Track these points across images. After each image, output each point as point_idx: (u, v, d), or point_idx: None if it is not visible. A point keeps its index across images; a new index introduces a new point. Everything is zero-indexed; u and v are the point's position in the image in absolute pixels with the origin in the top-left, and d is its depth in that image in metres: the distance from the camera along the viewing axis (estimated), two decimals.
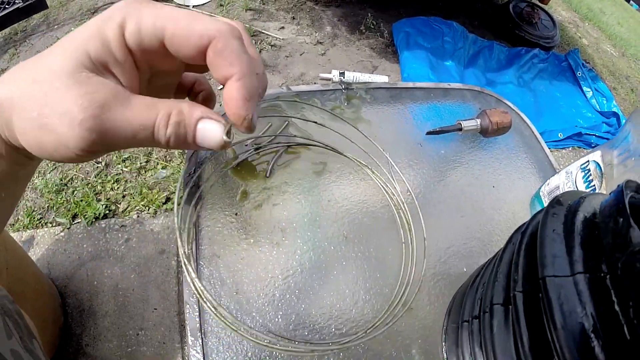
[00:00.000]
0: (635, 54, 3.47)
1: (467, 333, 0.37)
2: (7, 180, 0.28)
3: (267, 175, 0.53)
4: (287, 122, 0.58)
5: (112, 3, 2.11)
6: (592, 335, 0.23)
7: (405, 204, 0.54)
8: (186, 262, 0.43)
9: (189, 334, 0.41)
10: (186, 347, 0.41)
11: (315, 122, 0.59)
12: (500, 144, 0.71)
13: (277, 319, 0.43)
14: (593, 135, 2.15)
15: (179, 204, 0.47)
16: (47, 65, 0.22)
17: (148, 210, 1.38)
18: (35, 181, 1.45)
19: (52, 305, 1.09)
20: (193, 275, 0.42)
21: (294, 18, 2.31)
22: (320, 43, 2.17)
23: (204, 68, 0.29)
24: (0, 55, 2.02)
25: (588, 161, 0.59)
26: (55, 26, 2.17)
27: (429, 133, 0.63)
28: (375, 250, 0.50)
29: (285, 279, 0.46)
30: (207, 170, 0.51)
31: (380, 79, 0.88)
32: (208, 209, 0.49)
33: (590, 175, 0.57)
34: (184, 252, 0.43)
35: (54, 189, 1.42)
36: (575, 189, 0.58)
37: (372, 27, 2.34)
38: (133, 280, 1.24)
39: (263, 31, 2.15)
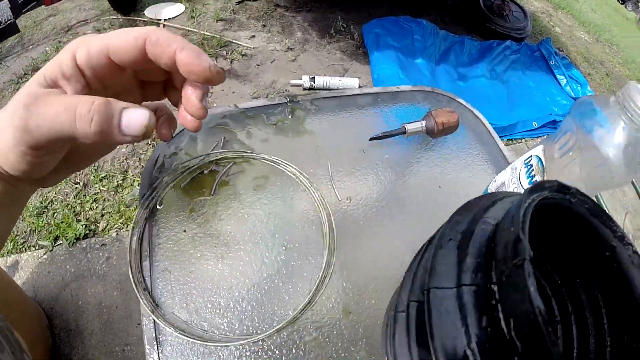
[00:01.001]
0: (610, 38, 3.51)
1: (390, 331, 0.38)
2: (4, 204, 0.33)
3: (212, 193, 0.56)
4: (223, 137, 0.61)
5: (85, 21, 2.16)
6: (469, 352, 0.22)
7: (331, 214, 0.56)
8: (135, 280, 0.46)
9: (145, 343, 0.44)
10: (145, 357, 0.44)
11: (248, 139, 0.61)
12: (449, 143, 0.72)
13: (222, 325, 0.46)
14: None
15: (133, 227, 0.50)
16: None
17: (126, 227, 1.40)
18: None
19: (40, 327, 1.11)
20: (142, 291, 0.46)
21: (264, 26, 2.33)
22: (291, 49, 2.19)
23: (158, 85, 0.37)
24: None
25: (531, 156, 0.57)
26: (30, 46, 2.18)
27: (372, 139, 0.64)
28: (314, 258, 0.52)
29: (229, 289, 0.48)
30: (160, 190, 0.54)
31: (350, 81, 0.90)
32: (161, 227, 0.52)
33: (533, 170, 0.56)
34: (133, 270, 0.47)
35: (35, 212, 1.44)
36: (519, 185, 0.58)
37: (343, 29, 2.37)
38: (116, 297, 1.25)
39: (234, 41, 2.17)
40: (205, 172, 0.58)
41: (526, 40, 2.66)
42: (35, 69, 2.04)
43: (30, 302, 1.13)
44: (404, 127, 0.66)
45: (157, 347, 0.44)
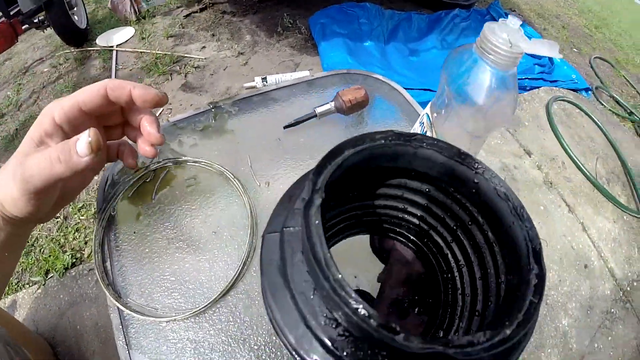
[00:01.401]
0: None
1: None
2: (9, 243, 0.42)
3: (153, 198, 0.63)
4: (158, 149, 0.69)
5: (41, 59, 2.19)
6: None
7: (251, 199, 0.63)
8: (100, 277, 0.55)
9: (114, 329, 0.52)
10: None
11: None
12: (367, 117, 0.77)
13: (171, 304, 0.54)
14: (526, 78, 2.23)
15: (95, 235, 0.58)
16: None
17: None
18: None
19: (47, 358, 1.17)
20: (106, 285, 0.54)
21: (213, 35, 2.38)
22: (242, 54, 2.25)
23: (118, 127, 0.48)
24: None
25: (424, 115, 0.59)
26: None
27: (285, 127, 0.70)
28: (240, 238, 0.60)
29: (174, 273, 0.56)
30: (112, 202, 0.62)
31: (301, 75, 0.94)
32: (116, 232, 0.60)
33: (425, 127, 0.58)
34: (98, 270, 0.56)
35: (23, 252, 1.49)
36: None
37: (290, 25, 2.42)
38: (113, 317, 1.32)
39: (185, 55, 2.22)
40: (147, 180, 0.65)
41: (475, 6, 2.70)
42: (0, 115, 2.09)
43: (34, 336, 1.19)
44: (314, 110, 0.71)
45: (123, 329, 0.52)
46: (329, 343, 0.22)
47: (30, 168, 0.35)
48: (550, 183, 1.79)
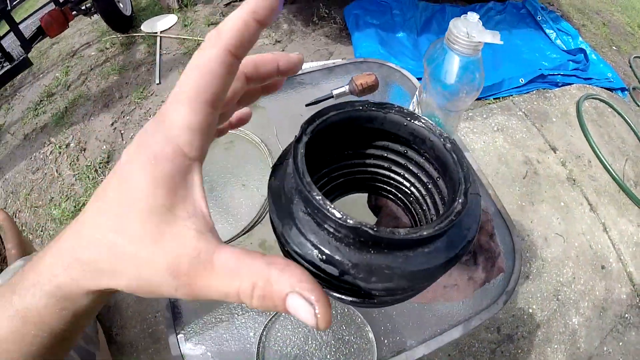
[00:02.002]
0: None
1: None
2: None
3: None
4: None
5: (88, 44, 2.35)
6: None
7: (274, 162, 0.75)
8: None
9: None
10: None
11: None
12: (379, 98, 0.86)
13: None
14: (558, 74, 2.19)
15: None
16: (128, 203, 0.21)
17: None
18: (53, 212, 1.68)
19: None
20: None
21: None
22: (279, 42, 2.33)
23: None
24: None
25: (415, 96, 0.71)
26: (41, 75, 2.39)
27: (307, 105, 0.81)
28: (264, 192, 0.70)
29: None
30: None
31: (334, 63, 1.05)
32: None
33: (414, 105, 0.69)
34: None
35: (70, 215, 1.65)
36: None
37: (325, 15, 2.49)
38: None
39: None
40: None
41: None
42: (50, 94, 2.25)
43: None
44: (332, 92, 0.81)
45: None
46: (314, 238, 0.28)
47: (204, 289, 0.21)
48: (574, 180, 1.79)
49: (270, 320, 0.60)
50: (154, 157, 0.21)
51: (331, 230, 0.27)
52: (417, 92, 0.67)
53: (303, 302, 0.20)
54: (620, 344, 1.42)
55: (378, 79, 0.80)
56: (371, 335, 0.59)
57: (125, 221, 0.20)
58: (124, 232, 0.20)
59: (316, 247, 0.27)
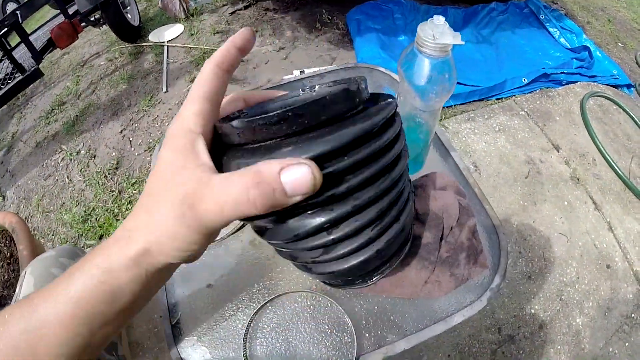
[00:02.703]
0: None
1: None
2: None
3: None
4: None
5: (97, 54, 2.42)
6: None
7: None
8: None
9: None
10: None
11: None
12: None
13: None
14: (562, 73, 2.18)
15: None
16: (157, 177, 0.29)
17: None
18: (64, 216, 1.73)
19: None
20: None
21: (256, 31, 2.51)
22: (282, 48, 2.37)
23: None
24: (8, 121, 2.32)
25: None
26: (52, 84, 2.46)
27: None
28: None
29: None
30: None
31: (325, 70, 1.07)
32: None
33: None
34: None
35: (80, 219, 1.70)
36: None
37: (328, 21, 2.52)
38: None
39: None
40: None
41: None
42: (61, 103, 2.32)
43: None
44: None
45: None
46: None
47: (209, 213, 0.26)
48: (578, 179, 1.78)
49: (256, 312, 0.62)
50: (172, 136, 0.30)
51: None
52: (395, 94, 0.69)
53: (297, 168, 0.25)
54: (627, 344, 1.40)
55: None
56: (352, 329, 0.61)
57: (154, 188, 0.29)
58: (152, 196, 0.29)
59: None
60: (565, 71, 2.20)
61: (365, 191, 0.32)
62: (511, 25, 2.49)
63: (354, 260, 0.36)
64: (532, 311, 1.42)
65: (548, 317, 1.42)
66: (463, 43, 0.49)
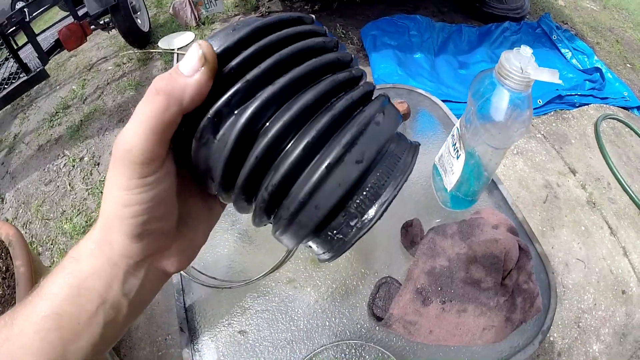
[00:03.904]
0: (618, 3, 3.43)
1: None
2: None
3: None
4: None
5: (105, 58, 2.37)
6: None
7: None
8: None
9: (174, 290, 0.63)
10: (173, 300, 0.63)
11: None
12: (410, 127, 0.84)
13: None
14: (575, 95, 2.17)
15: None
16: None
17: None
18: (64, 226, 1.68)
19: None
20: None
21: None
22: None
23: None
24: (11, 121, 2.26)
25: (455, 128, 0.65)
26: (57, 86, 2.40)
27: None
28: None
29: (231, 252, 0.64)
30: None
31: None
32: None
33: (454, 138, 0.65)
34: None
35: (81, 230, 1.64)
36: (449, 153, 0.67)
37: (343, 35, 2.49)
38: (158, 295, 1.43)
39: None
40: None
41: (527, 19, 2.67)
42: (65, 107, 2.26)
43: None
44: None
45: (182, 293, 0.63)
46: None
47: (125, 135, 0.22)
48: (594, 203, 1.77)
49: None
50: None
51: None
52: (457, 125, 0.65)
53: (189, 51, 0.22)
54: None
55: (410, 108, 0.78)
56: None
57: None
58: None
59: None
60: (579, 93, 2.19)
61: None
62: (524, 45, 2.46)
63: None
64: (551, 339, 1.40)
65: (566, 345, 1.40)
66: (562, 82, 0.46)
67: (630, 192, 1.80)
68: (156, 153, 0.23)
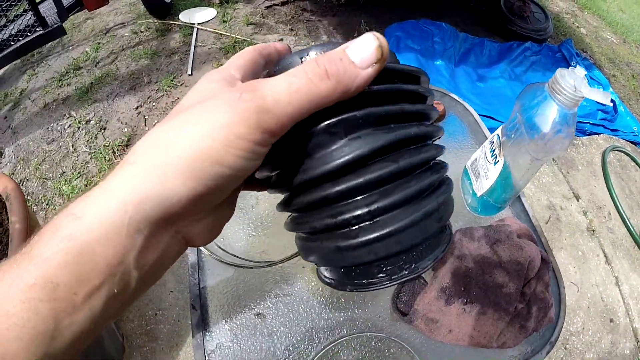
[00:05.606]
0: (638, 39, 3.45)
1: None
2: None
3: None
4: None
5: (122, 24, 2.33)
6: None
7: None
8: None
9: (189, 266, 0.60)
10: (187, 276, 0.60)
11: None
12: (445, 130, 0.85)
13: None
14: (587, 123, 2.19)
15: None
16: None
17: None
18: (63, 187, 1.65)
19: None
20: None
21: (292, 29, 2.46)
22: None
23: None
24: (19, 76, 2.21)
25: (496, 135, 0.67)
26: (70, 47, 2.36)
27: None
28: None
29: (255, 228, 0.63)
30: None
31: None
32: None
33: (494, 145, 0.66)
34: None
35: (80, 193, 1.61)
36: (485, 159, 0.68)
37: (366, 32, 2.46)
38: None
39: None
40: None
41: (548, 42, 2.68)
42: (77, 68, 2.22)
43: None
44: None
45: (198, 269, 0.61)
46: None
47: (278, 94, 0.21)
48: (593, 231, 1.79)
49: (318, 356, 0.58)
50: (209, 74, 0.25)
51: None
52: (497, 133, 0.65)
53: (359, 40, 0.22)
54: None
55: (446, 109, 0.78)
56: None
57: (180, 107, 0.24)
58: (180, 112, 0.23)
59: None
60: (590, 121, 2.20)
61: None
62: (542, 67, 2.49)
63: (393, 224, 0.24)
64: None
65: None
66: (612, 104, 0.47)
67: (629, 224, 1.83)
68: (286, 129, 0.22)
